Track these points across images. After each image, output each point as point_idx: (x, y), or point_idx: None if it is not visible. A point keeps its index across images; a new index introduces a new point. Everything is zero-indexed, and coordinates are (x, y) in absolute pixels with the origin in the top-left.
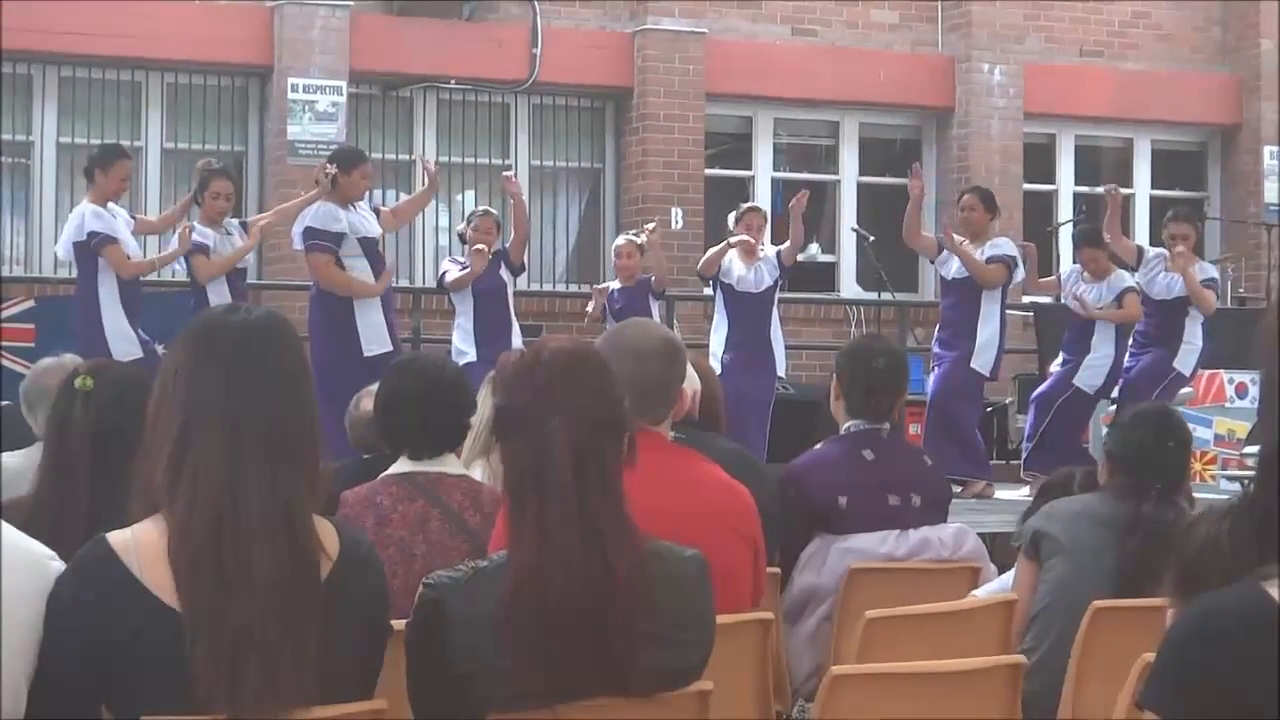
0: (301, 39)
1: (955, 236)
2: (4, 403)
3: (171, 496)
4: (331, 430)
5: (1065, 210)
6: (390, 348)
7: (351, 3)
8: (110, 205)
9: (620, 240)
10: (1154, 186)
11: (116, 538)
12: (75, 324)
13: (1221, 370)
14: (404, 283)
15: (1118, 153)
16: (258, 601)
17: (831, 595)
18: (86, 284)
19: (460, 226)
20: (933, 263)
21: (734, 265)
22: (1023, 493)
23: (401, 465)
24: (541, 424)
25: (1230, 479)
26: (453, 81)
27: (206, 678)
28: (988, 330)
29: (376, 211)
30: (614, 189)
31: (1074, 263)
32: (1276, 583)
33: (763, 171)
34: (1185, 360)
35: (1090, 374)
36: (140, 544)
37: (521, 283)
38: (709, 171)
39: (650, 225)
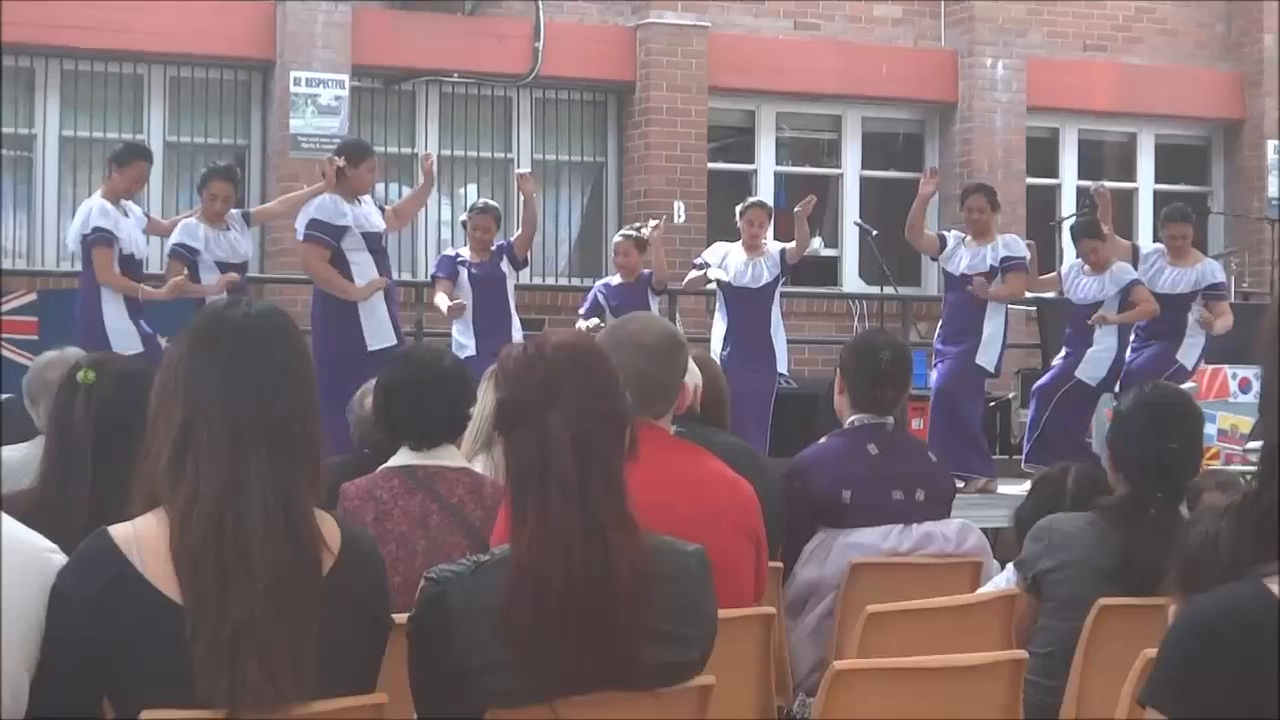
0: (304, 33)
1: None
2: (6, 396)
3: (173, 491)
4: (333, 424)
5: (1068, 205)
6: (395, 342)
7: None
8: (125, 203)
9: (618, 238)
10: (1157, 181)
11: (118, 531)
12: (77, 317)
13: (1225, 365)
14: (406, 276)
15: (1121, 148)
16: (258, 596)
17: (834, 590)
18: (89, 277)
19: (463, 217)
20: (934, 259)
21: (732, 262)
22: (1025, 487)
23: (401, 457)
24: (543, 418)
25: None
26: (455, 75)
27: (207, 672)
28: (992, 326)
29: (381, 209)
30: (616, 183)
31: (1076, 257)
32: (1278, 579)
33: (765, 166)
34: (1188, 353)
35: (1092, 366)
36: (142, 537)
37: (523, 276)
38: (712, 166)
39: (654, 223)
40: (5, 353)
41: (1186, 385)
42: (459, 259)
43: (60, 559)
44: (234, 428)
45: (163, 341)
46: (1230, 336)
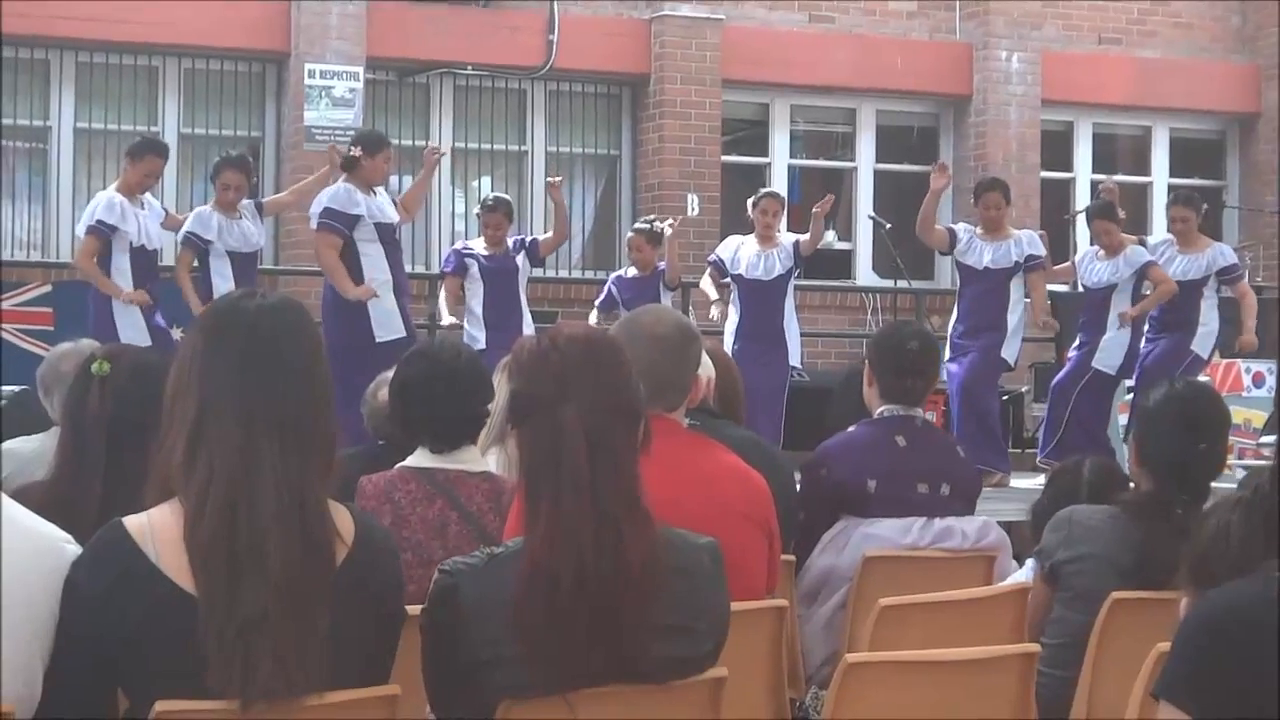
0: (318, 25)
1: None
2: (21, 388)
3: (186, 483)
4: (344, 415)
5: (1082, 199)
6: (403, 334)
7: None
8: (143, 196)
9: (630, 232)
10: (1172, 175)
11: (133, 522)
12: (89, 309)
13: (1238, 359)
14: (419, 268)
15: (1135, 141)
16: (271, 589)
17: (848, 580)
18: (100, 266)
19: (476, 210)
20: (944, 254)
21: (744, 254)
22: (1038, 481)
23: (420, 458)
24: (556, 411)
25: (1246, 469)
26: (469, 68)
27: (219, 664)
28: (1015, 319)
29: (394, 202)
30: (630, 176)
31: (1090, 244)
32: None
33: (779, 158)
34: (1202, 343)
35: (1107, 354)
36: (156, 528)
37: (536, 269)
38: (725, 158)
39: (670, 221)
40: (22, 343)
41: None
42: (466, 251)
43: (74, 550)
44: (247, 420)
45: (176, 333)
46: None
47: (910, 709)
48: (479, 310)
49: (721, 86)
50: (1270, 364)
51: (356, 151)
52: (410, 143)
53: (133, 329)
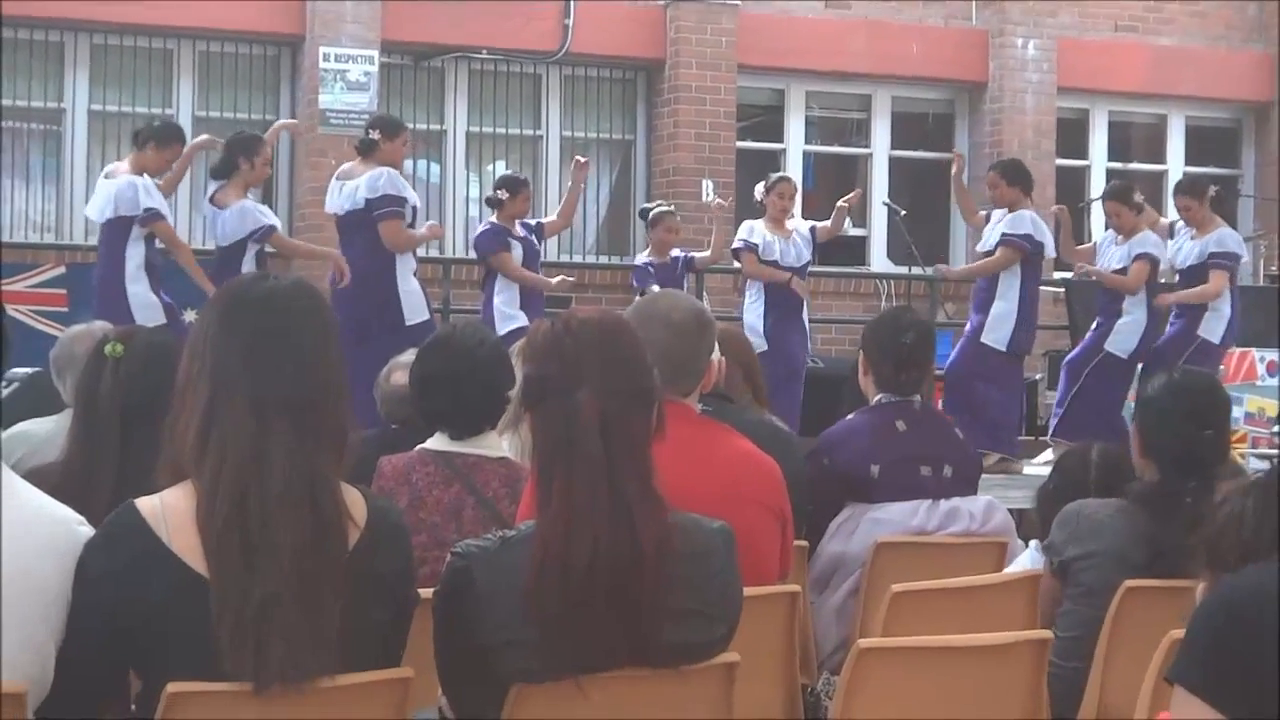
0: (333, 8)
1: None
2: (34, 370)
3: (199, 465)
4: (366, 396)
5: (1097, 187)
6: (428, 316)
7: None
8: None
9: (664, 214)
10: (1187, 163)
11: (145, 504)
12: (96, 290)
13: (1252, 348)
14: (434, 253)
15: (1151, 129)
16: (283, 571)
17: (859, 566)
18: (113, 252)
19: (501, 194)
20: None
21: (769, 240)
22: (1048, 456)
23: (440, 442)
24: (570, 394)
25: (1260, 458)
26: (484, 52)
27: (232, 647)
28: (1002, 305)
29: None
30: (645, 161)
31: (1105, 228)
32: None
33: (794, 144)
34: (1211, 326)
35: (1122, 338)
36: (169, 510)
37: (551, 254)
38: (740, 144)
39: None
40: (36, 324)
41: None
42: (508, 230)
43: (87, 531)
44: (259, 403)
45: (188, 315)
46: (1259, 319)
47: (922, 695)
48: (515, 291)
49: (737, 72)
50: None
51: (375, 135)
52: (425, 127)
53: (149, 309)
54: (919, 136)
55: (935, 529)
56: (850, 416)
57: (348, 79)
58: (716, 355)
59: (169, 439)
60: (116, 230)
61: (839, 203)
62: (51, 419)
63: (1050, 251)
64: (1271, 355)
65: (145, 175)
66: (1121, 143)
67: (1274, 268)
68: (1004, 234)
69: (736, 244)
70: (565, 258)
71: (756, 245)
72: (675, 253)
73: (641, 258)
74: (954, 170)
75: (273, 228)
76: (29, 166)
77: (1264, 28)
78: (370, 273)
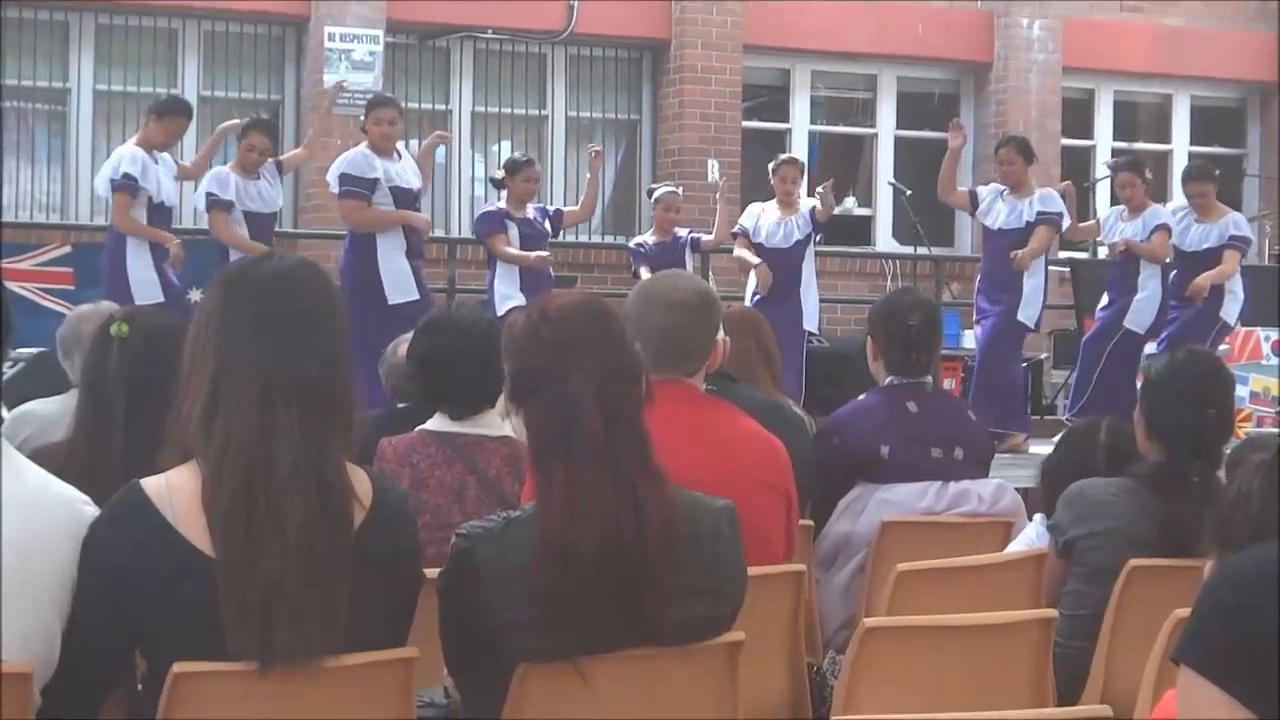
0: None
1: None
2: (40, 350)
3: (204, 445)
4: (360, 378)
5: (1103, 167)
6: (416, 296)
7: None
8: (157, 152)
9: (667, 194)
10: (1192, 144)
11: (151, 484)
12: (102, 264)
13: (1258, 327)
14: (439, 233)
15: (1156, 109)
16: (289, 551)
17: (866, 545)
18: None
19: (500, 174)
20: (973, 215)
21: (764, 222)
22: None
23: (440, 422)
24: (562, 382)
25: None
26: (490, 31)
27: (237, 626)
28: (1033, 282)
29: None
30: (651, 141)
31: (1111, 204)
32: None
33: (800, 124)
34: (1229, 309)
35: (1139, 314)
36: (175, 490)
37: (558, 234)
38: (746, 124)
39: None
40: (44, 302)
41: (1220, 349)
42: (505, 213)
43: (92, 511)
44: (264, 382)
45: (194, 295)
46: (1265, 299)
47: (928, 674)
48: (515, 272)
49: (742, 52)
50: None
51: (362, 116)
52: (430, 106)
53: (147, 286)
54: (924, 116)
55: (944, 510)
56: (861, 397)
57: (353, 58)
58: (721, 335)
59: (174, 419)
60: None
61: (817, 190)
62: (58, 398)
63: (1065, 226)
64: (1276, 334)
65: (151, 150)
66: (1127, 123)
67: (1278, 247)
68: (1041, 212)
69: (736, 228)
70: (571, 237)
71: (747, 230)
72: (680, 232)
73: (639, 238)
74: (956, 142)
75: (217, 202)
76: (34, 147)
77: (1269, 8)
78: (355, 252)
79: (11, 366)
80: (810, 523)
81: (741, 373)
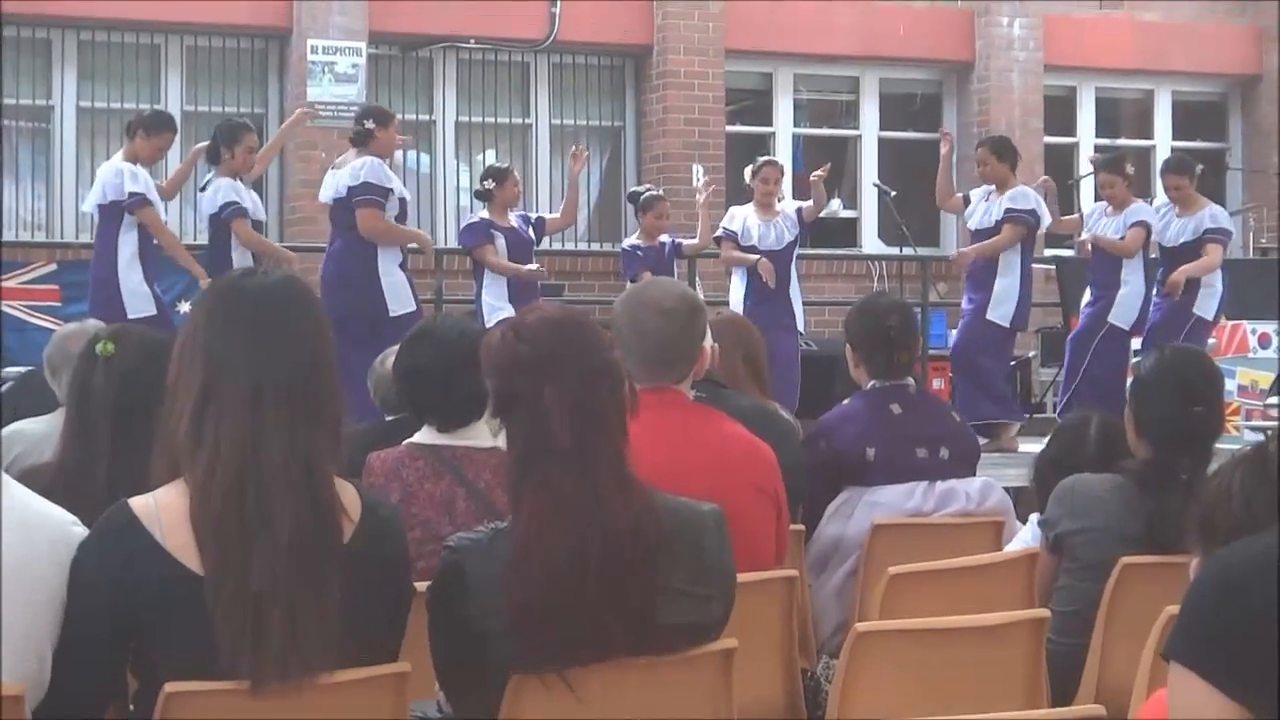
0: (320, 1)
1: (1093, 235)
2: (28, 368)
3: (193, 460)
4: (353, 391)
5: (1086, 164)
6: (414, 307)
7: None
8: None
9: (655, 199)
10: (1175, 139)
11: (138, 503)
12: (91, 280)
13: (1244, 321)
14: None
15: (1138, 105)
16: (280, 564)
17: (856, 548)
18: (107, 241)
19: (489, 185)
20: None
21: (751, 224)
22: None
23: (428, 435)
24: (537, 397)
25: (1254, 429)
26: (472, 41)
27: (229, 641)
28: (1005, 281)
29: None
30: (634, 147)
31: (1095, 200)
32: None
33: (783, 128)
34: (1205, 304)
35: (1124, 310)
36: (163, 509)
37: (543, 241)
38: (730, 128)
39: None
40: (31, 319)
41: (1208, 343)
42: (491, 223)
43: (81, 531)
44: (253, 396)
45: (182, 307)
46: (1252, 292)
47: (921, 677)
48: (503, 283)
49: (725, 56)
50: (1277, 325)
51: (370, 125)
52: (414, 117)
53: (141, 300)
54: (907, 117)
55: (932, 510)
56: (846, 401)
57: (336, 71)
58: (709, 341)
59: (162, 436)
60: (108, 218)
61: (810, 177)
62: (46, 418)
63: (1046, 224)
64: (1264, 328)
65: (138, 164)
66: (1109, 119)
67: (1264, 240)
68: (1008, 210)
69: (718, 232)
70: (557, 245)
71: (735, 233)
72: (664, 238)
73: (630, 241)
74: (944, 150)
75: (237, 209)
76: (18, 164)
77: (1249, 1)
78: (353, 262)
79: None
80: (801, 527)
81: (726, 379)
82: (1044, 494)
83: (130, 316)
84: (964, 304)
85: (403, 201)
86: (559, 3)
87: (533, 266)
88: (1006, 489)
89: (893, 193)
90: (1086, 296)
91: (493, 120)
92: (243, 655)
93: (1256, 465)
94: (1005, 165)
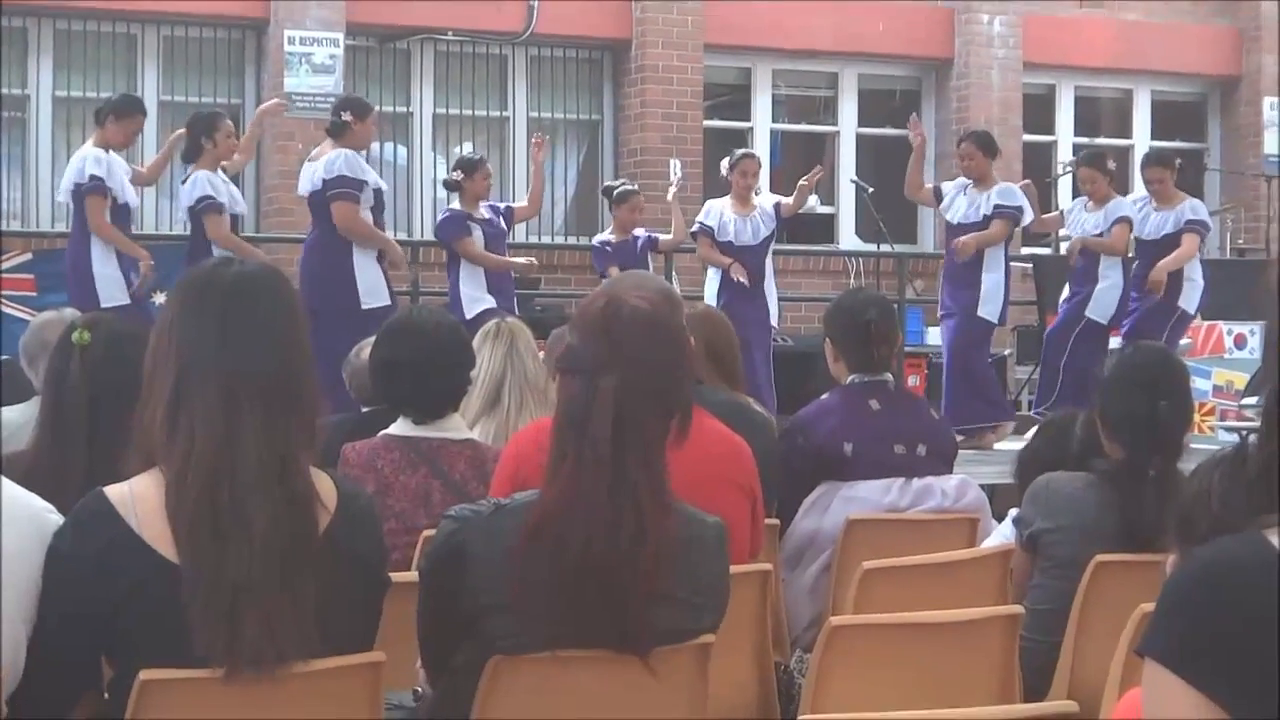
0: None
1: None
2: (4, 357)
3: (168, 450)
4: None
5: (1064, 166)
6: (389, 301)
7: None
8: (112, 154)
9: (630, 194)
10: (1153, 138)
11: (114, 492)
12: (66, 267)
13: (1220, 321)
14: (402, 235)
15: (1117, 104)
16: (255, 554)
17: (831, 543)
18: (80, 227)
19: (457, 175)
20: (937, 210)
21: (727, 219)
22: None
23: (402, 427)
24: (596, 377)
25: (1229, 430)
26: (450, 33)
27: (205, 631)
28: (993, 277)
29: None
30: (612, 141)
31: (1074, 196)
32: (1277, 531)
33: (762, 123)
34: (1189, 297)
35: (1101, 304)
36: (138, 498)
37: (519, 235)
38: (708, 123)
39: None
40: (6, 309)
41: (1182, 343)
42: (467, 215)
43: (56, 519)
44: (227, 385)
45: (158, 298)
46: (1228, 292)
47: (895, 671)
48: (481, 275)
49: (703, 51)
50: (1252, 326)
51: (347, 117)
52: (391, 109)
53: (113, 286)
54: (886, 114)
55: (907, 507)
56: (824, 396)
57: (313, 62)
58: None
59: (138, 423)
60: (77, 204)
61: (800, 181)
62: (22, 405)
63: (1028, 220)
64: (1240, 328)
65: (109, 151)
66: (1088, 118)
67: (1241, 241)
68: (998, 206)
69: (694, 226)
70: (534, 239)
71: (711, 228)
72: (638, 232)
73: (600, 237)
74: (917, 142)
75: (211, 204)
76: None
77: (1229, 2)
78: (328, 254)
79: None
80: (776, 522)
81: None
82: (1026, 489)
83: (104, 304)
84: (944, 302)
85: (378, 193)
86: None
87: (524, 260)
88: (982, 486)
89: (870, 189)
90: (1065, 292)
91: (470, 112)
92: (218, 644)
93: (1235, 465)
94: (989, 160)
